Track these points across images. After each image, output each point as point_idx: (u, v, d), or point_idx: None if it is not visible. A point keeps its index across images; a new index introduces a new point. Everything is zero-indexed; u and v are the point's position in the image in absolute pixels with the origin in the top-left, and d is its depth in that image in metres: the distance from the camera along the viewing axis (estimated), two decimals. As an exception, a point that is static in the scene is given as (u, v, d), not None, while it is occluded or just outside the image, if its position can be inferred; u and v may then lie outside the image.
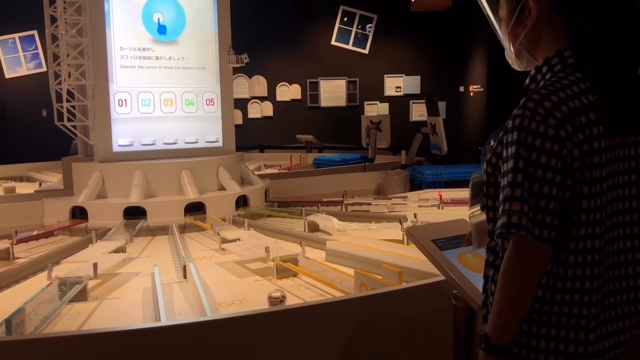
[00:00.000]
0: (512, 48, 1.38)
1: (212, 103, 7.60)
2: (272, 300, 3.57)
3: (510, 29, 1.35)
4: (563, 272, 1.21)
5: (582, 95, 1.19)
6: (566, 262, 1.21)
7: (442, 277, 2.02)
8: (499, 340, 1.20)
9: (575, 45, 1.25)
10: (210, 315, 3.26)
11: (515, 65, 1.42)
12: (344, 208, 7.17)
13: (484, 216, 1.38)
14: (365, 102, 14.18)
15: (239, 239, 5.27)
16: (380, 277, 3.62)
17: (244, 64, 7.78)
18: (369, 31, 14.16)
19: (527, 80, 1.34)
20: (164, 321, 3.25)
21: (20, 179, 10.01)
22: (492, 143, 1.31)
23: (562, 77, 1.23)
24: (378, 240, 5.14)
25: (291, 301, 3.77)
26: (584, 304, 1.21)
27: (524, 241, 1.16)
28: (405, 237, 5.03)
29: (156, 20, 7.13)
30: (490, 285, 1.31)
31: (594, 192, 1.19)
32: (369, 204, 7.37)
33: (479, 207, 1.43)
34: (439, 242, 2.08)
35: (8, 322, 2.82)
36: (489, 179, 1.30)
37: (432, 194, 7.50)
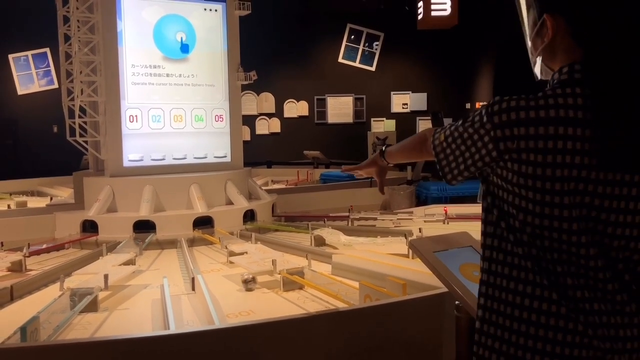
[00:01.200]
0: (532, 57, 1.45)
1: (221, 119, 7.73)
2: (245, 282, 4.41)
3: (532, 39, 1.41)
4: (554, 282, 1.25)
5: (561, 108, 1.20)
6: (554, 272, 1.25)
7: (445, 289, 2.07)
8: (387, 155, 1.84)
9: (586, 64, 1.27)
10: (217, 325, 3.32)
11: (536, 71, 1.48)
12: (350, 223, 7.23)
13: None
14: (372, 119, 14.29)
15: (246, 253, 5.34)
16: (385, 289, 3.67)
17: (252, 81, 7.93)
18: (376, 49, 14.32)
19: None
20: (173, 329, 3.31)
21: (32, 193, 10.18)
22: None
23: (556, 88, 1.25)
24: (383, 254, 5.20)
25: (297, 312, 3.83)
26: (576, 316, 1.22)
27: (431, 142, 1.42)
28: (410, 251, 5.08)
29: (179, 40, 7.35)
30: (486, 289, 1.31)
31: (559, 203, 1.20)
32: (375, 219, 7.43)
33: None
34: (441, 253, 2.14)
35: (23, 329, 2.90)
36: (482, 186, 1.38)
37: (437, 209, 7.55)
